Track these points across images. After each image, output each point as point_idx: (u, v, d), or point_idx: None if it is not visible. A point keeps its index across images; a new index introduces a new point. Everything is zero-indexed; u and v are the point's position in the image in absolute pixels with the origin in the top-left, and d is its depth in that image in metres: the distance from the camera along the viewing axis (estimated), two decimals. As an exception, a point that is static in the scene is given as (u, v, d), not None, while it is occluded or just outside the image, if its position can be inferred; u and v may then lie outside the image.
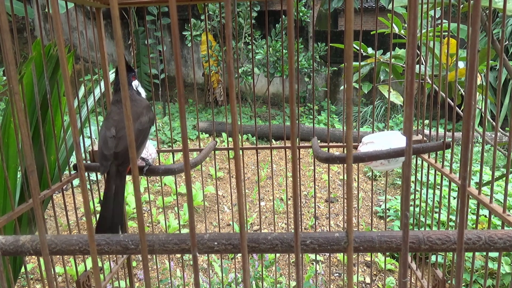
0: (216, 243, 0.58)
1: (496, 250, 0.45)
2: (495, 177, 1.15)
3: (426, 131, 1.27)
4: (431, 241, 0.45)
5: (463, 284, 2.01)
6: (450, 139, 1.12)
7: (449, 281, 1.20)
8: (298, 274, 0.32)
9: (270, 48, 5.79)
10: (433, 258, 1.28)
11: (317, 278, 2.37)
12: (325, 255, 2.79)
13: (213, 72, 6.91)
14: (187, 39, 6.32)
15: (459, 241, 0.31)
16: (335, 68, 6.93)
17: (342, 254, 2.36)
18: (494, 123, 0.97)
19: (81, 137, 1.34)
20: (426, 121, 1.24)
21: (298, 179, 2.45)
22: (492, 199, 0.90)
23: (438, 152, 1.16)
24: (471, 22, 0.27)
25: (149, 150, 1.26)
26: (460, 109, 1.93)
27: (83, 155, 1.32)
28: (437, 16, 1.29)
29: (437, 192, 2.68)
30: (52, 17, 0.88)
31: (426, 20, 1.30)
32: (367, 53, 1.93)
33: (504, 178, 0.92)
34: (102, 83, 1.33)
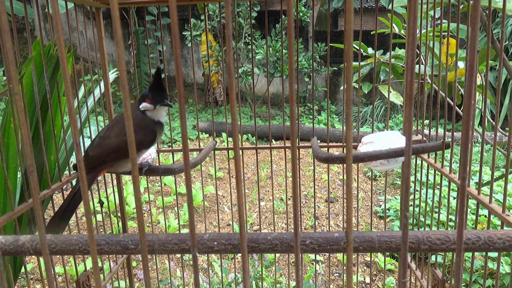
0: (216, 243, 0.58)
1: (495, 250, 0.45)
2: (495, 177, 1.16)
3: (426, 131, 1.28)
4: (431, 241, 0.45)
5: (463, 284, 2.01)
6: (450, 139, 1.12)
7: (449, 281, 1.20)
8: (297, 274, 0.32)
9: (270, 48, 5.79)
10: (432, 258, 1.28)
11: (317, 278, 2.37)
12: (325, 255, 2.79)
13: (213, 72, 6.92)
14: (187, 39, 6.32)
15: (459, 242, 0.31)
16: (335, 68, 6.93)
17: (342, 254, 2.36)
18: (494, 123, 0.97)
19: (81, 137, 1.34)
20: (426, 121, 1.24)
21: (298, 179, 2.45)
22: (491, 199, 0.90)
23: (437, 152, 1.16)
24: (471, 23, 0.27)
25: (149, 150, 1.26)
26: (460, 109, 1.93)
27: (83, 155, 1.32)
28: (437, 16, 1.29)
29: (437, 192, 2.68)
30: (52, 17, 0.88)
31: (426, 20, 1.30)
32: (367, 53, 1.93)
33: (504, 178, 0.92)
34: (102, 83, 1.33)
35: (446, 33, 1.10)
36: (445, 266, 1.19)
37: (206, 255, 2.04)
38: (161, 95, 1.08)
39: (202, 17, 6.30)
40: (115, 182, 1.40)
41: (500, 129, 1.47)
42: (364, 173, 4.47)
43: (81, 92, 1.57)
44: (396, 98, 1.82)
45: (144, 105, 1.09)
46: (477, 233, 0.46)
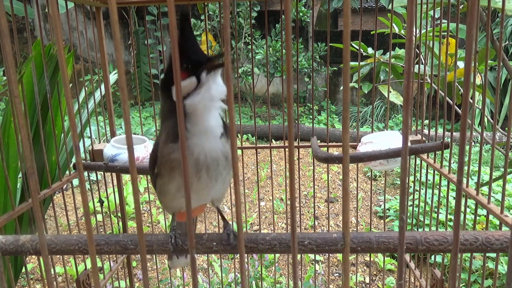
0: (214, 243, 0.58)
1: (493, 251, 0.45)
2: (494, 177, 1.16)
3: (426, 131, 1.28)
4: (429, 242, 0.45)
5: (462, 284, 2.02)
6: (449, 139, 1.12)
7: (448, 281, 1.20)
8: (294, 274, 0.32)
9: (270, 48, 5.79)
10: (432, 257, 1.29)
11: (317, 278, 2.37)
12: (324, 255, 2.79)
13: (213, 71, 6.90)
14: (187, 39, 6.31)
15: (455, 244, 0.31)
16: (335, 68, 6.92)
17: (341, 254, 2.36)
18: (493, 123, 0.97)
19: (80, 138, 1.35)
20: (426, 121, 1.24)
21: (298, 179, 2.45)
22: (490, 200, 0.90)
23: (437, 152, 1.16)
24: (467, 27, 0.27)
25: (149, 150, 1.26)
26: (459, 109, 1.93)
27: (83, 155, 1.33)
28: (437, 16, 1.29)
29: (436, 191, 2.68)
30: (51, 17, 0.88)
31: (426, 20, 1.30)
32: (367, 53, 1.93)
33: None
34: (102, 84, 1.34)
35: (446, 33, 1.10)
36: (444, 266, 1.19)
37: (206, 255, 2.04)
38: (199, 55, 0.65)
39: (202, 17, 6.30)
40: (115, 182, 1.41)
41: (500, 129, 1.48)
42: (364, 173, 4.47)
43: (81, 94, 1.57)
44: (396, 98, 1.82)
45: (183, 85, 0.59)
46: (475, 234, 0.47)
